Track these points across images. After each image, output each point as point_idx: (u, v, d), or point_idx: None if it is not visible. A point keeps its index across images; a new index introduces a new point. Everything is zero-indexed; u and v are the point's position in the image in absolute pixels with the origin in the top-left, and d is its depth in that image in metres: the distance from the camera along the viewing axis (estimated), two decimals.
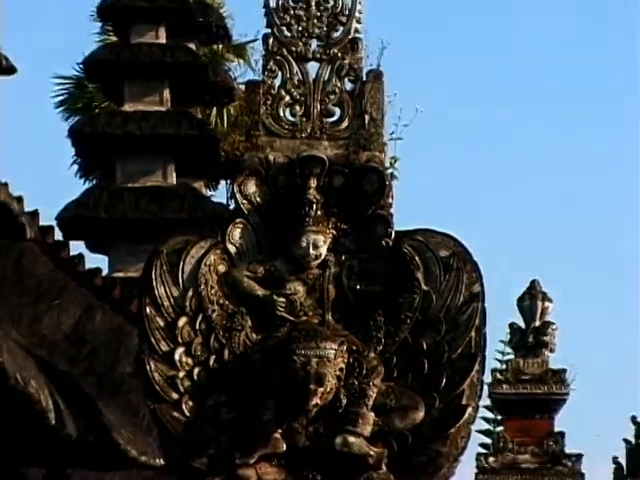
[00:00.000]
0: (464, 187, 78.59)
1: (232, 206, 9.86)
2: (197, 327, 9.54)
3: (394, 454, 9.48)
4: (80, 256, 23.35)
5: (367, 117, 9.74)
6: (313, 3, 9.79)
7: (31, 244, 20.41)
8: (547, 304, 19.69)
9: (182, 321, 9.53)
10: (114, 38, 30.21)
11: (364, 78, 9.78)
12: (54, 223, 24.29)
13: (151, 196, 27.93)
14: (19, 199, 17.83)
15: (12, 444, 15.12)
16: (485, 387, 10.06)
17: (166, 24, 29.07)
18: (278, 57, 9.80)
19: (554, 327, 19.75)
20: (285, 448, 9.43)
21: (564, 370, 19.63)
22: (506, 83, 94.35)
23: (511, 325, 19.84)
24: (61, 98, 33.25)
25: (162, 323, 9.54)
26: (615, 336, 75.58)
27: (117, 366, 18.03)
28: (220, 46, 31.21)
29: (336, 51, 9.79)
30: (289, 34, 9.80)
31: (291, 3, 9.80)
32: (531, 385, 19.37)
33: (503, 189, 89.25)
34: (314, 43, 9.80)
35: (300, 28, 9.80)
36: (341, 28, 9.81)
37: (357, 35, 9.83)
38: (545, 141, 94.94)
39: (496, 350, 24.58)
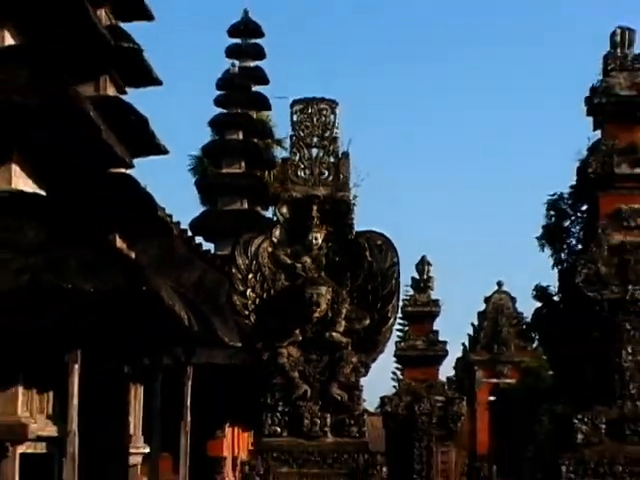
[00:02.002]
0: (396, 212, 78.04)
1: (275, 219, 9.83)
2: (257, 279, 9.55)
3: (354, 341, 9.49)
4: (200, 244, 23.37)
5: (341, 175, 9.74)
6: (314, 119, 9.77)
7: (176, 239, 20.41)
8: (430, 267, 19.59)
9: (250, 275, 9.55)
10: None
11: (339, 156, 9.77)
12: (187, 227, 24.33)
13: (235, 215, 27.93)
14: (170, 216, 17.78)
15: (165, 337, 15.08)
16: (399, 307, 10.01)
17: (243, 129, 29.08)
18: (297, 145, 9.78)
19: (433, 278, 19.64)
20: (300, 338, 9.44)
21: (438, 299, 19.51)
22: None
23: (412, 278, 19.73)
24: (191, 166, 33.18)
25: (240, 277, 9.56)
26: (465, 281, 75.13)
27: (218, 298, 17.99)
28: (269, 140, 31.11)
29: (326, 143, 9.78)
30: (302, 134, 9.77)
31: (303, 119, 9.77)
32: (422, 307, 19.23)
33: (416, 206, 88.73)
34: (315, 138, 9.78)
35: (308, 132, 9.78)
36: (328, 132, 9.79)
37: (336, 135, 9.80)
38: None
39: (405, 290, 24.47)
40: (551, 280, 26.74)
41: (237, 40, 30.45)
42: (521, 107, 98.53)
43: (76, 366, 13.30)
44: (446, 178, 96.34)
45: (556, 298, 24.88)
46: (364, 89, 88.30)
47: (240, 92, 29.61)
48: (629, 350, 13.45)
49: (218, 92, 29.75)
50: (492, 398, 41.35)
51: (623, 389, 13.39)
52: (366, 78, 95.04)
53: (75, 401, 13.34)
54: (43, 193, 14.27)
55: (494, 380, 41.76)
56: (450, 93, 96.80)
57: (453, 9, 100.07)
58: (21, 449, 13.36)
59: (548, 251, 25.95)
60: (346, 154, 9.83)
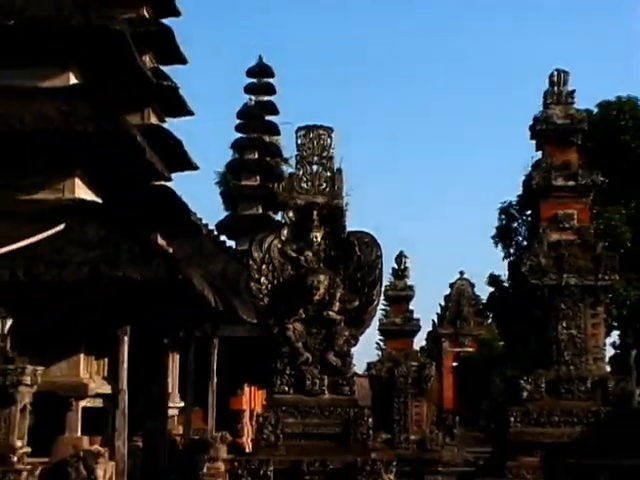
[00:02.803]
0: (380, 215, 77.17)
1: (283, 221, 9.78)
2: (270, 269, 9.44)
3: (346, 318, 9.39)
4: (224, 242, 23.29)
5: (336, 187, 9.66)
6: (315, 142, 9.71)
7: (205, 237, 20.36)
8: (406, 259, 19.36)
9: (264, 266, 9.44)
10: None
11: (335, 171, 9.72)
12: (214, 228, 24.26)
13: (252, 218, 27.81)
14: (200, 219, 17.72)
15: (196, 315, 15.03)
16: (382, 291, 9.95)
17: (258, 150, 28.99)
18: (301, 163, 9.72)
19: (409, 268, 19.42)
20: (304, 316, 9.37)
21: (412, 285, 19.27)
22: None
23: (392, 268, 19.54)
24: (217, 179, 32.98)
25: (256, 267, 9.44)
26: (434, 271, 74.49)
27: (238, 285, 17.95)
28: (279, 159, 31.03)
29: (324, 161, 9.72)
30: (305, 154, 9.72)
31: (306, 142, 9.71)
32: (400, 291, 18.98)
33: (397, 208, 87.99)
34: (315, 157, 9.73)
35: (310, 152, 9.71)
36: (325, 152, 9.73)
37: (332, 155, 9.75)
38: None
39: (387, 277, 24.31)
40: (502, 270, 27.00)
41: (253, 80, 30.57)
42: (480, 134, 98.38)
43: (126, 338, 13.33)
44: (421, 190, 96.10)
45: (506, 284, 24.98)
46: (349, 114, 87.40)
47: (256, 121, 29.67)
48: (564, 325, 13.54)
49: (238, 121, 29.89)
50: (455, 364, 41.44)
51: (559, 356, 13.48)
52: (350, 106, 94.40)
53: (125, 365, 13.39)
54: (100, 201, 14.29)
55: (457, 349, 41.87)
56: (423, 112, 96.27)
57: (421, 54, 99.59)
58: (82, 404, 13.43)
59: (500, 247, 26.14)
60: (340, 170, 9.77)
